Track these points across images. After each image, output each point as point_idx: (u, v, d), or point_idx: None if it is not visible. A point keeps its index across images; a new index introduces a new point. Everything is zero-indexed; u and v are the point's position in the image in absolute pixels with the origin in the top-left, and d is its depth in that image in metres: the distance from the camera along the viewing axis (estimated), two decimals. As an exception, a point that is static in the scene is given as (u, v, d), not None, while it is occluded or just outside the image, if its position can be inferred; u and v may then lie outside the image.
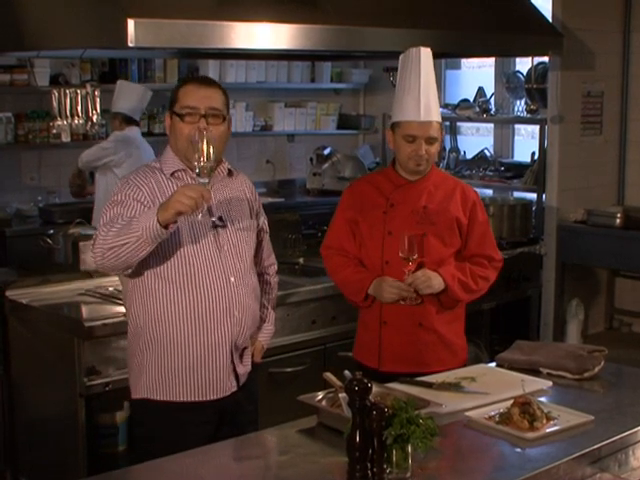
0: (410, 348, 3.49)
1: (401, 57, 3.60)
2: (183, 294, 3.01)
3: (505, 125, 6.92)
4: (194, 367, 3.03)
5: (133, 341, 3.11)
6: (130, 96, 6.30)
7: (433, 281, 3.41)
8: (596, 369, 3.23)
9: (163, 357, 3.03)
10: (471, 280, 3.50)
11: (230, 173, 3.19)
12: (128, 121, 6.33)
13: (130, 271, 2.98)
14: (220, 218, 3.09)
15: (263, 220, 3.32)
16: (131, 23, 3.40)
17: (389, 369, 3.44)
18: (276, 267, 3.47)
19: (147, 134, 6.92)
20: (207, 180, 2.81)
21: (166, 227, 2.79)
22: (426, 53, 3.54)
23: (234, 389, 3.12)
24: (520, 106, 6.46)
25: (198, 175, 2.80)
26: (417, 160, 3.46)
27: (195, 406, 3.05)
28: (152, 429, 3.07)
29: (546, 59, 5.97)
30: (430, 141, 3.45)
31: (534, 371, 3.24)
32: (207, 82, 3.13)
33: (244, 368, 3.16)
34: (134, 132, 6.37)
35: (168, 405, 3.05)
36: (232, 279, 3.06)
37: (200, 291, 3.01)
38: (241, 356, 3.15)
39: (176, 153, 3.09)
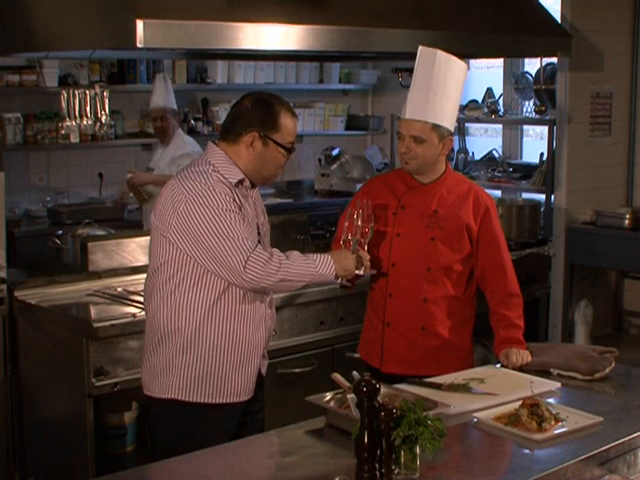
0: (412, 352, 3.46)
1: None
2: (232, 298, 3.01)
3: (514, 126, 6.91)
4: (232, 370, 3.05)
5: (166, 340, 3.03)
6: (164, 89, 5.97)
7: (524, 355, 3.35)
8: (607, 370, 3.23)
9: (203, 359, 3.02)
10: (521, 322, 3.49)
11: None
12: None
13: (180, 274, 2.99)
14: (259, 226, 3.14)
15: None
16: (140, 24, 3.41)
17: (391, 370, 3.43)
18: None
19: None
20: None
21: None
22: (423, 52, 3.44)
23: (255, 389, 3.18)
24: (529, 107, 6.45)
25: (354, 251, 3.20)
26: (402, 157, 3.44)
27: (226, 407, 3.06)
28: (180, 430, 3.04)
29: (555, 60, 5.95)
30: (415, 140, 3.40)
31: (544, 372, 3.24)
32: (294, 111, 3.14)
33: (263, 368, 3.23)
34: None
35: (201, 406, 3.03)
36: None
37: (247, 296, 3.03)
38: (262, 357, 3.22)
39: (248, 170, 3.05)
